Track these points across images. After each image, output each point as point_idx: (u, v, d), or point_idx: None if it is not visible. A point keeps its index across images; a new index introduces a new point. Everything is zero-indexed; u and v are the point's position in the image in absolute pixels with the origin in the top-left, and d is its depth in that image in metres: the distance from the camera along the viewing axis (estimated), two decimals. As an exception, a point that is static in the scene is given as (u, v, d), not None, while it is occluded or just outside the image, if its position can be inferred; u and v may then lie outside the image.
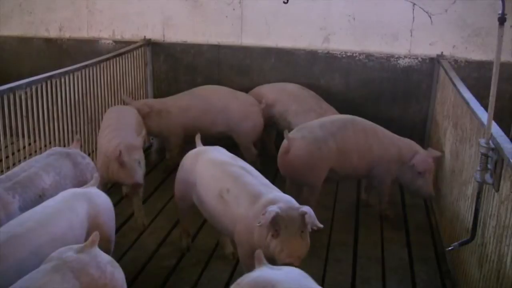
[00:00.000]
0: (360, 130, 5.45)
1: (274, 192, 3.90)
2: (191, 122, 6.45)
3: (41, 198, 3.95)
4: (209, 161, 4.36)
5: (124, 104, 6.49)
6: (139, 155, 4.92)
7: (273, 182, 6.47)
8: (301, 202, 3.90)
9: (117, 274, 3.12)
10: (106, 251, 3.38)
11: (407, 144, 5.59)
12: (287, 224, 3.55)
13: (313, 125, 5.44)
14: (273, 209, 3.55)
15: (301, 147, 5.21)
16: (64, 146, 5.59)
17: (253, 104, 6.61)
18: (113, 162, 4.82)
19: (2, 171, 4.81)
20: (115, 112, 5.79)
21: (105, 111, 6.31)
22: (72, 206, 3.61)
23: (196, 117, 6.49)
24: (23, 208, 3.77)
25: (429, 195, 5.54)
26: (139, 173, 4.86)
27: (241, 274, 3.86)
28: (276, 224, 3.54)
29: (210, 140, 5.81)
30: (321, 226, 3.67)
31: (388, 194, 5.71)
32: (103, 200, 3.89)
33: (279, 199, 3.74)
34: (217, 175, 4.18)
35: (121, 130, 5.24)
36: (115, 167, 4.83)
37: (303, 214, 3.56)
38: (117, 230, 5.34)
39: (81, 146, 5.22)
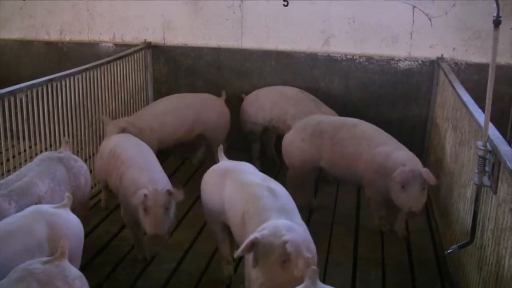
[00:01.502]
0: (354, 137, 5.38)
1: (282, 219, 3.50)
2: (170, 136, 6.47)
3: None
4: (239, 183, 4.06)
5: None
6: (168, 202, 4.37)
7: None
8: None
9: None
10: None
11: (400, 157, 5.11)
12: (267, 252, 3.23)
13: (314, 119, 5.72)
14: (254, 235, 3.29)
15: (290, 132, 5.76)
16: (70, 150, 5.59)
17: (217, 99, 6.80)
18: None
19: (3, 174, 4.81)
20: (130, 142, 5.25)
21: (106, 114, 6.33)
22: (29, 227, 3.39)
23: (174, 131, 6.47)
24: None
25: (408, 211, 4.91)
26: (164, 224, 4.33)
27: (241, 277, 3.89)
28: (256, 252, 3.26)
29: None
30: (308, 256, 3.22)
31: (379, 208, 5.44)
32: (69, 224, 3.61)
33: (275, 226, 3.38)
34: (244, 197, 3.89)
35: (147, 169, 4.71)
36: (140, 212, 4.38)
37: (285, 242, 3.20)
38: (117, 234, 5.38)
39: (71, 148, 5.17)
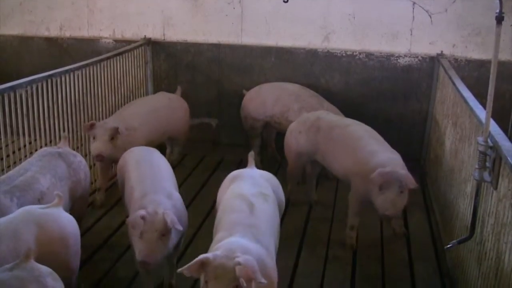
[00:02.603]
0: (345, 136, 5.29)
1: (237, 236, 3.31)
2: (150, 138, 6.04)
3: (39, 202, 3.95)
4: (231, 190, 4.00)
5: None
6: (165, 228, 3.76)
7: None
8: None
9: (59, 286, 2.96)
10: (66, 284, 3.13)
11: (381, 159, 4.89)
12: (217, 275, 2.99)
13: (316, 114, 5.72)
14: (204, 255, 3.07)
15: (292, 123, 5.83)
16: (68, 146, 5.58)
17: (179, 99, 6.79)
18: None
19: (2, 170, 4.81)
20: (146, 155, 4.77)
21: (106, 110, 6.33)
22: (16, 230, 3.28)
23: (153, 133, 6.13)
24: None
25: (383, 214, 4.73)
26: (155, 252, 3.74)
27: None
28: (207, 273, 3.02)
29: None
30: (263, 282, 2.97)
31: (354, 214, 5.19)
32: (61, 224, 3.49)
33: (230, 247, 3.16)
34: (223, 207, 3.83)
35: (155, 192, 4.14)
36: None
37: (236, 264, 2.97)
38: (117, 229, 5.38)
39: (70, 143, 5.17)
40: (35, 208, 3.57)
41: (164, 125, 6.28)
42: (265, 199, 3.88)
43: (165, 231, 3.74)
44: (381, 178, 4.62)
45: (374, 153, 4.98)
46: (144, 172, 4.40)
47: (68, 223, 3.58)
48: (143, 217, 3.70)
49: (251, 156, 4.62)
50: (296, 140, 5.65)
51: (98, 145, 5.38)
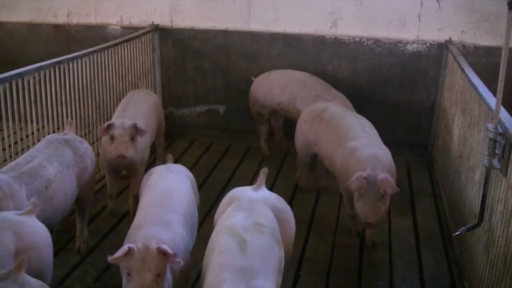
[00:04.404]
0: (338, 128, 5.15)
1: (239, 284, 2.93)
2: (152, 138, 5.82)
3: (47, 189, 3.98)
4: (221, 222, 3.52)
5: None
6: (157, 265, 3.16)
7: (280, 167, 6.61)
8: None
9: None
10: None
11: (362, 156, 4.68)
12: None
13: (324, 105, 5.70)
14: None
15: (303, 111, 5.84)
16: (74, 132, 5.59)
17: (154, 94, 6.64)
18: None
19: (11, 157, 4.83)
20: (162, 178, 4.19)
21: (113, 97, 6.33)
22: None
23: (153, 131, 5.87)
24: (30, 198, 3.74)
25: (364, 222, 4.49)
26: None
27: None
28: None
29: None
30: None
31: (349, 206, 5.05)
32: (35, 232, 3.33)
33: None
34: (211, 244, 3.38)
35: (152, 223, 3.55)
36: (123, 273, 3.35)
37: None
38: (124, 215, 5.39)
39: (77, 130, 5.14)
40: (11, 214, 3.38)
41: (157, 122, 6.00)
42: (260, 232, 3.32)
43: (160, 270, 3.15)
44: (360, 184, 4.40)
45: (356, 149, 4.77)
46: (150, 200, 3.85)
47: (42, 231, 3.41)
48: (130, 251, 3.12)
49: (264, 173, 3.96)
50: (302, 129, 5.66)
51: (118, 146, 4.86)
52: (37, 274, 3.16)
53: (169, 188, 3.98)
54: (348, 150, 4.83)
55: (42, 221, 3.53)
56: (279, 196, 3.85)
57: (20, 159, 4.15)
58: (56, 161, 4.21)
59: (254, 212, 3.50)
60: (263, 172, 3.96)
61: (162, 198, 3.82)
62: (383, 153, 4.76)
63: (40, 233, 3.37)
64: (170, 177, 4.17)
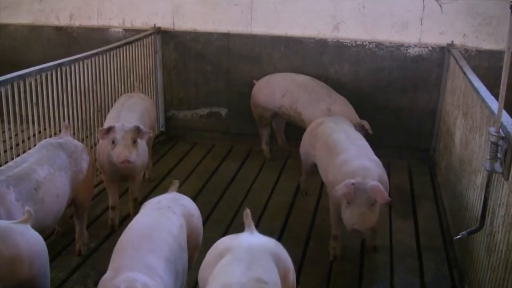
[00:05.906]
0: (328, 143, 5.08)
1: None
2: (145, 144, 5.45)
3: (36, 191, 3.98)
4: (218, 281, 2.81)
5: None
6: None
7: (282, 171, 6.61)
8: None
9: None
10: None
11: (351, 167, 4.54)
12: None
13: (326, 119, 5.63)
14: None
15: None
16: (74, 134, 5.60)
17: (149, 98, 6.51)
18: None
19: (12, 159, 4.82)
20: (152, 211, 3.68)
21: (115, 99, 6.31)
22: None
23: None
24: (20, 200, 3.78)
25: (350, 228, 4.29)
26: None
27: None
28: None
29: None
30: None
31: (335, 224, 4.86)
32: (28, 243, 3.22)
33: None
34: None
35: (131, 268, 3.04)
36: None
37: None
38: (125, 218, 5.38)
39: (77, 133, 5.13)
40: (2, 222, 3.33)
41: (150, 126, 5.83)
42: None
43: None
44: (348, 190, 4.23)
45: (345, 162, 4.65)
46: (130, 238, 3.32)
47: (34, 240, 3.29)
48: None
49: (247, 215, 3.39)
50: (304, 139, 5.68)
51: (120, 150, 4.66)
52: (31, 283, 3.15)
53: (155, 224, 3.44)
54: (337, 164, 4.71)
55: (35, 223, 3.51)
56: (278, 242, 3.28)
57: (12, 162, 4.18)
58: (47, 163, 4.22)
59: (254, 262, 2.91)
60: (247, 214, 3.39)
61: (140, 240, 3.28)
62: (373, 164, 4.62)
63: (33, 242, 3.26)
64: (154, 216, 3.56)
